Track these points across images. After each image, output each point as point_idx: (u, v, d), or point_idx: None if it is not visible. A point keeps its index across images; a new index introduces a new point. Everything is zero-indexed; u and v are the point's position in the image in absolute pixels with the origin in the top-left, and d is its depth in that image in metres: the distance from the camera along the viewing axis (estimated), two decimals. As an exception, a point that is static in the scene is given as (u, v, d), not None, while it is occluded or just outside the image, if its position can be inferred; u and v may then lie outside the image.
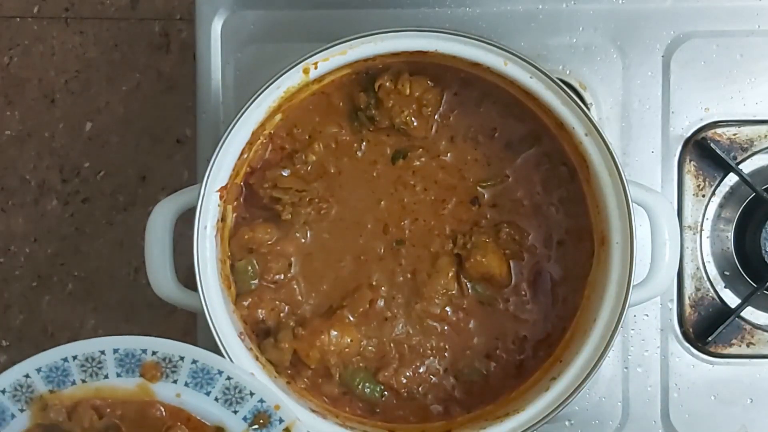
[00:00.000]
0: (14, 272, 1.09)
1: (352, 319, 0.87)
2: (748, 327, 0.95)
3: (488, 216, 0.87)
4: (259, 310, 0.87)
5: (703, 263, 0.95)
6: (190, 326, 0.97)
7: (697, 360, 0.95)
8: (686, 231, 0.95)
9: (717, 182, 0.95)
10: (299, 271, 0.88)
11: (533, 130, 0.87)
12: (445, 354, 0.88)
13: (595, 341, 0.82)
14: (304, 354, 0.86)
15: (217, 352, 0.83)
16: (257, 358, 0.85)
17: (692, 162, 0.95)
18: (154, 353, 0.82)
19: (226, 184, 0.84)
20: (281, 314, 0.87)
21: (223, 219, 0.85)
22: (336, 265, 0.88)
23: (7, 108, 1.09)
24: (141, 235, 0.86)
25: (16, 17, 1.10)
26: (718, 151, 0.93)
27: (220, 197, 0.84)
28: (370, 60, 0.84)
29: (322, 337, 0.85)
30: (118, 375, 0.82)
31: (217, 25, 0.94)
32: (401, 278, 0.87)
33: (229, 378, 0.82)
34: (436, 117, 0.88)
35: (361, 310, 0.87)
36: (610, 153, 0.81)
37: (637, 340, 0.95)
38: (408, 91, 0.86)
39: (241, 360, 0.83)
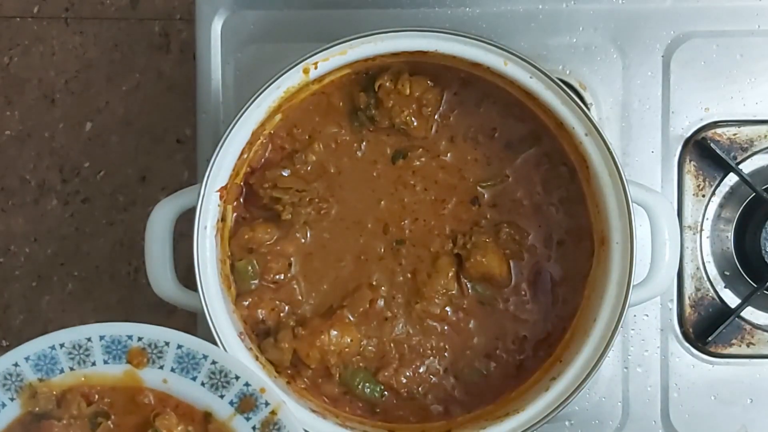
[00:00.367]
0: (14, 272, 1.09)
1: (352, 318, 0.87)
2: (748, 327, 0.95)
3: (488, 216, 0.87)
4: (259, 310, 0.87)
5: (703, 263, 0.95)
6: (190, 326, 0.97)
7: (697, 360, 0.95)
8: (686, 231, 0.95)
9: (717, 182, 0.95)
10: (299, 271, 0.88)
11: (533, 130, 0.87)
12: (445, 354, 0.88)
13: (595, 341, 0.82)
14: (304, 354, 0.86)
15: (217, 352, 0.83)
16: (257, 358, 0.85)
17: (692, 162, 0.95)
18: (139, 339, 0.83)
19: (226, 184, 0.84)
20: (281, 314, 0.87)
21: (223, 219, 0.85)
22: (336, 265, 0.88)
23: (7, 108, 1.09)
24: (141, 235, 0.86)
25: (16, 17, 1.10)
26: (718, 151, 0.93)
27: (220, 197, 0.84)
28: (370, 60, 0.84)
29: (322, 337, 0.85)
30: (106, 362, 0.83)
31: (217, 25, 0.94)
32: (401, 278, 0.87)
33: (214, 362, 0.82)
34: (436, 117, 0.88)
35: (361, 309, 0.87)
36: (610, 153, 0.81)
37: (637, 340, 0.95)
38: (408, 91, 0.86)
39: (241, 360, 0.83)
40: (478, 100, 0.87)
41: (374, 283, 0.87)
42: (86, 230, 1.09)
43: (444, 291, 0.87)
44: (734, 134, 0.95)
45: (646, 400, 0.94)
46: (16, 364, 0.82)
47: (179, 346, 0.82)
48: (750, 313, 0.95)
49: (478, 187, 0.88)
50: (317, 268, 0.88)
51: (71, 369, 0.83)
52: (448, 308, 0.87)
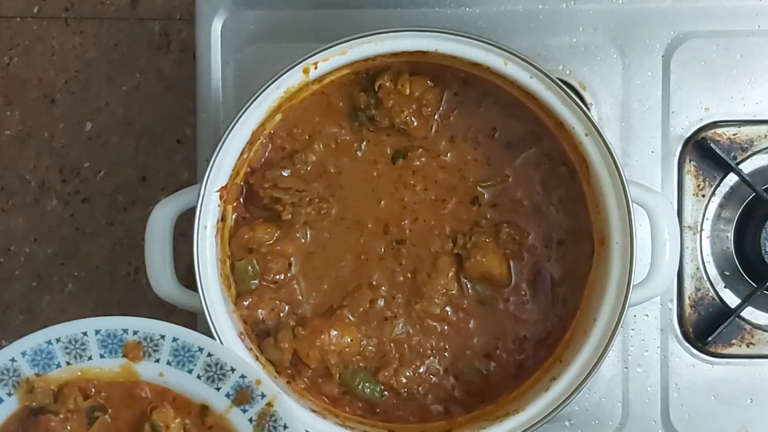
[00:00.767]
0: (14, 272, 1.09)
1: (352, 318, 0.87)
2: (748, 327, 0.95)
3: (488, 216, 0.87)
4: (259, 310, 0.87)
5: (703, 263, 0.95)
6: (190, 326, 0.97)
7: (697, 360, 0.95)
8: (686, 231, 0.95)
9: (717, 182, 0.95)
10: (299, 271, 0.88)
11: (533, 130, 0.87)
12: (445, 354, 0.88)
13: (595, 341, 0.82)
14: (304, 354, 0.86)
15: (217, 352, 0.83)
16: (257, 358, 0.85)
17: (692, 162, 0.95)
18: (135, 333, 0.83)
19: (226, 184, 0.84)
20: (281, 314, 0.87)
21: (223, 219, 0.85)
22: (336, 265, 0.88)
23: (7, 108, 1.09)
24: (141, 235, 0.86)
25: (16, 17, 1.10)
26: (718, 151, 0.93)
27: (220, 197, 0.84)
28: (370, 60, 0.84)
29: (322, 336, 0.85)
30: (102, 356, 0.83)
31: (217, 25, 0.94)
32: (401, 278, 0.87)
33: (209, 354, 0.82)
34: (436, 117, 0.88)
35: (361, 309, 0.87)
36: (610, 153, 0.81)
37: (637, 340, 0.95)
38: (408, 91, 0.86)
39: (241, 360, 0.83)
40: (478, 100, 0.87)
41: (374, 282, 0.87)
42: (86, 230, 1.09)
43: (444, 291, 0.87)
44: (734, 134, 0.95)
45: (646, 400, 0.94)
46: (12, 360, 0.83)
47: (174, 339, 0.82)
48: (750, 313, 0.95)
49: (478, 187, 0.88)
50: (317, 268, 0.88)
51: (68, 363, 0.83)
52: (448, 308, 0.87)
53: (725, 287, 0.96)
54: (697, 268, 0.95)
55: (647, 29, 0.94)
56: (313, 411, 0.85)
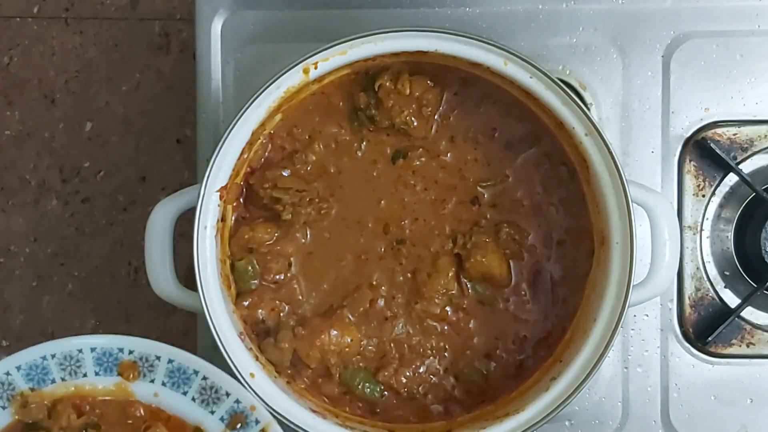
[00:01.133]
0: (14, 272, 1.09)
1: (352, 318, 0.87)
2: (748, 327, 0.95)
3: (488, 216, 0.87)
4: (259, 310, 0.87)
5: (703, 263, 0.95)
6: (190, 326, 0.97)
7: (697, 360, 0.94)
8: (686, 231, 0.95)
9: (717, 182, 0.95)
10: (299, 271, 0.88)
11: (533, 130, 0.87)
12: (445, 354, 0.88)
13: (595, 341, 0.82)
14: (304, 354, 0.86)
15: (217, 352, 0.83)
16: (257, 358, 0.85)
17: (692, 162, 0.95)
18: (130, 352, 0.83)
19: (226, 184, 0.84)
20: (281, 314, 0.87)
21: (223, 219, 0.85)
22: (336, 265, 0.88)
23: (7, 108, 1.09)
24: (141, 235, 0.86)
25: (16, 17, 1.10)
26: (718, 151, 0.93)
27: (220, 197, 0.84)
28: (370, 60, 0.84)
29: (322, 336, 0.85)
30: (97, 374, 0.84)
31: (217, 25, 0.94)
32: (401, 278, 0.87)
33: (205, 378, 0.82)
34: (436, 117, 0.88)
35: (362, 309, 0.87)
36: (610, 153, 0.81)
37: (637, 340, 0.95)
38: (408, 91, 0.86)
39: (241, 360, 0.83)
40: (478, 100, 0.87)
41: (374, 282, 0.87)
42: (86, 230, 1.09)
43: (444, 291, 0.87)
44: (734, 134, 0.95)
45: (646, 400, 0.94)
46: (8, 373, 0.83)
47: (170, 361, 0.83)
48: (750, 313, 0.95)
49: (478, 187, 0.88)
50: (317, 268, 0.88)
51: (62, 379, 0.84)
52: (448, 308, 0.87)
53: (725, 287, 0.96)
54: (697, 268, 0.95)
55: (647, 29, 0.94)
56: (313, 411, 0.85)
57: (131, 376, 0.84)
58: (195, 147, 0.95)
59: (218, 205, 0.84)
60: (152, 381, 0.83)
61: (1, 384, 0.83)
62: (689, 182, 0.95)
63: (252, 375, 0.83)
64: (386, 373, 0.87)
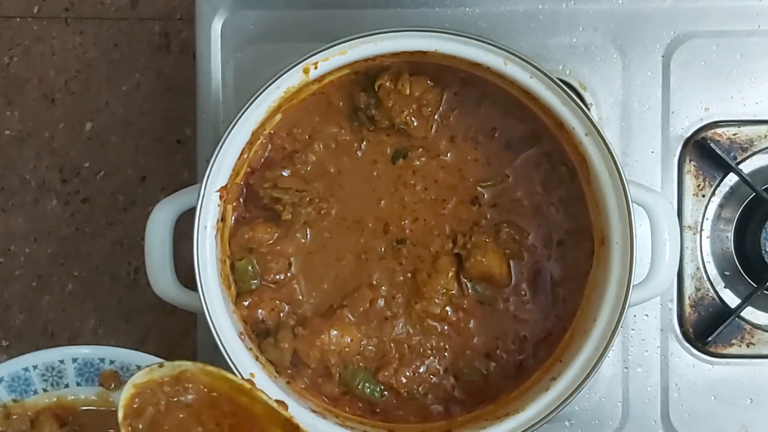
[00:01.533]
0: (14, 272, 1.09)
1: (352, 318, 0.87)
2: (748, 327, 0.95)
3: (488, 216, 0.87)
4: (259, 310, 0.87)
5: (703, 263, 0.95)
6: (190, 326, 0.97)
7: (697, 360, 0.95)
8: (686, 231, 0.95)
9: (717, 182, 0.95)
10: (299, 271, 0.88)
11: (533, 130, 0.87)
12: (445, 354, 0.88)
13: (595, 341, 0.82)
14: (304, 354, 0.86)
15: (217, 352, 0.83)
16: (257, 358, 0.85)
17: (692, 162, 0.95)
18: (111, 362, 0.84)
19: (226, 184, 0.84)
20: (281, 314, 0.87)
21: (223, 219, 0.85)
22: (336, 265, 0.88)
23: (7, 108, 1.09)
24: (141, 235, 0.86)
25: (16, 17, 1.10)
26: (718, 151, 0.93)
27: (220, 197, 0.84)
28: (370, 60, 0.84)
29: (322, 336, 0.85)
30: (78, 384, 0.84)
31: (217, 25, 0.94)
32: (401, 278, 0.87)
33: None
34: (436, 117, 0.88)
35: (362, 309, 0.87)
36: (610, 153, 0.81)
37: (637, 340, 0.95)
38: (408, 91, 0.86)
39: (241, 360, 0.83)
40: (478, 100, 0.87)
41: (374, 282, 0.87)
42: (86, 230, 1.09)
43: (444, 291, 0.87)
44: (734, 134, 0.95)
45: (646, 400, 0.94)
46: None
47: None
48: (750, 313, 0.95)
49: (478, 187, 0.88)
50: (317, 268, 0.88)
51: (44, 390, 0.84)
52: (448, 308, 0.87)
53: (725, 287, 0.96)
54: (697, 268, 0.95)
55: (647, 29, 0.94)
56: (313, 411, 0.85)
57: (112, 385, 0.84)
58: (195, 147, 0.95)
59: (218, 205, 0.84)
60: None
61: None
62: (689, 182, 0.95)
63: (252, 375, 0.83)
64: (386, 373, 0.87)
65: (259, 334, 0.87)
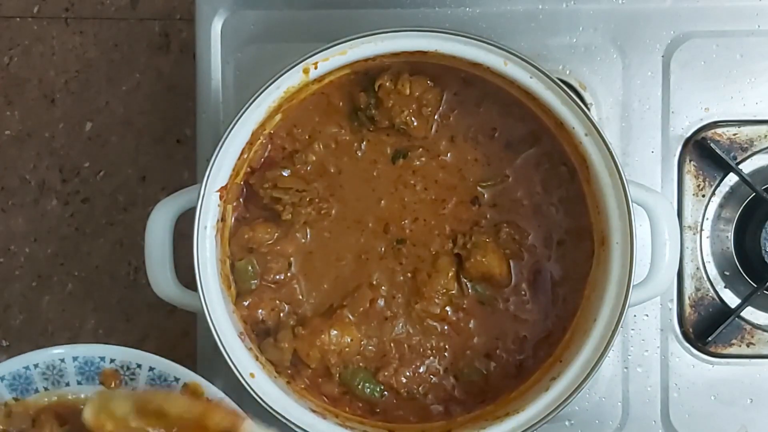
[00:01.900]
0: (14, 272, 1.09)
1: (352, 318, 0.87)
2: (748, 327, 0.95)
3: (488, 216, 0.87)
4: (259, 310, 0.87)
5: (703, 263, 0.95)
6: (190, 326, 0.97)
7: (697, 360, 0.95)
8: (686, 231, 0.95)
9: (717, 182, 0.95)
10: (299, 271, 0.88)
11: (533, 130, 0.87)
12: (445, 354, 0.88)
13: (595, 341, 0.82)
14: (304, 354, 0.86)
15: (217, 352, 0.83)
16: (257, 358, 0.85)
17: (692, 162, 0.95)
18: (112, 361, 0.84)
19: (226, 184, 0.84)
20: (281, 314, 0.87)
21: (223, 219, 0.85)
22: (336, 265, 0.88)
23: (7, 108, 1.09)
24: (141, 235, 0.86)
25: (16, 17, 1.10)
26: (718, 151, 0.93)
27: (220, 197, 0.84)
28: (370, 60, 0.84)
29: (322, 336, 0.85)
30: (79, 383, 0.84)
31: (217, 25, 0.94)
32: (401, 278, 0.87)
33: (186, 384, 0.82)
34: (436, 117, 0.88)
35: (362, 309, 0.87)
36: (610, 153, 0.81)
37: (637, 340, 0.95)
38: (408, 91, 0.86)
39: (241, 360, 0.83)
40: (478, 100, 0.87)
41: (374, 282, 0.87)
42: (86, 230, 1.09)
43: (444, 291, 0.87)
44: (734, 134, 0.95)
45: (646, 400, 0.94)
46: None
47: (151, 369, 0.83)
48: (750, 313, 0.95)
49: (478, 187, 0.88)
50: (317, 268, 0.88)
51: (45, 389, 0.84)
52: (448, 308, 0.87)
53: (725, 287, 0.96)
54: (697, 268, 0.95)
55: (647, 29, 0.94)
56: (313, 411, 0.85)
57: (113, 384, 0.84)
58: (195, 147, 0.95)
59: (218, 205, 0.84)
60: (134, 389, 0.83)
61: None
62: (689, 182, 0.95)
63: (252, 375, 0.83)
64: (386, 373, 0.87)
65: (259, 334, 0.87)
